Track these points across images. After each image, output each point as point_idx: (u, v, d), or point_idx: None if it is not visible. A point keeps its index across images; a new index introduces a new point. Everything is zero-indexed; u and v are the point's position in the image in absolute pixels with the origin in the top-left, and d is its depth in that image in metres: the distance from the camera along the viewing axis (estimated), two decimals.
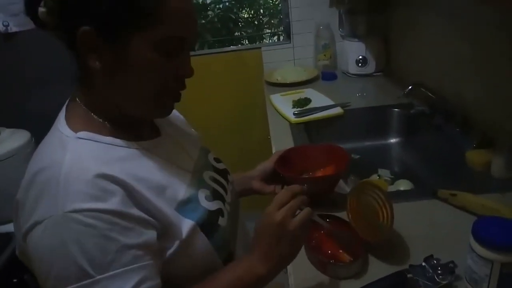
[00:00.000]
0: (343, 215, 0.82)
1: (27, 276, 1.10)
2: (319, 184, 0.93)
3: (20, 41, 1.75)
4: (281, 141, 1.29)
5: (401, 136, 1.44)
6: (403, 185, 1.18)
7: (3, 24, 1.69)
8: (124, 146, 0.61)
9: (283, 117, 1.47)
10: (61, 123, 0.61)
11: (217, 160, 0.83)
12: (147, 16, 0.55)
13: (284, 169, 0.92)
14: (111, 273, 0.51)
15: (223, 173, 0.81)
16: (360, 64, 1.79)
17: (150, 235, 0.57)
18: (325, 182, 0.93)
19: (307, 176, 0.97)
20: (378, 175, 1.27)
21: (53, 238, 0.51)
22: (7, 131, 1.39)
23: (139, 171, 0.60)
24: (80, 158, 0.56)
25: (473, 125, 1.13)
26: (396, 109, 1.45)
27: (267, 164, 0.95)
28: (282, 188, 0.93)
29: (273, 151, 1.25)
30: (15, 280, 1.07)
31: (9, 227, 1.15)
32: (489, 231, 0.61)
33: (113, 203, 0.53)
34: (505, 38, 0.99)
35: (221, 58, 2.03)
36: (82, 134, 0.59)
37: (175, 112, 0.86)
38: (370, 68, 1.79)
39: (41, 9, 0.55)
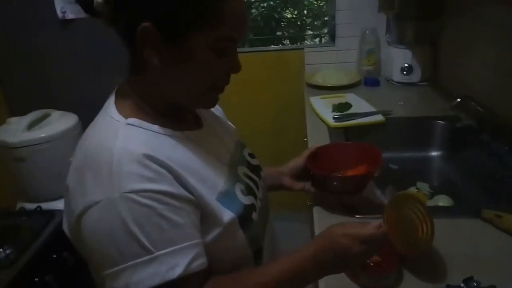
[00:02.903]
0: None
1: (66, 253, 1.15)
2: (348, 184, 0.92)
3: (76, 28, 1.83)
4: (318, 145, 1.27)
5: (443, 149, 1.39)
6: (443, 200, 1.14)
7: (60, 11, 1.78)
8: (169, 135, 0.64)
9: (322, 120, 1.45)
10: (111, 108, 0.63)
11: (252, 155, 0.84)
12: (209, 16, 0.57)
13: (315, 166, 0.91)
14: (168, 249, 0.54)
15: (256, 169, 0.82)
16: (405, 72, 1.74)
17: (197, 216, 0.60)
18: (355, 181, 0.91)
19: (337, 175, 0.95)
20: (417, 188, 1.24)
21: (112, 218, 0.53)
22: (56, 113, 1.46)
23: (183, 159, 0.62)
24: (130, 142, 0.58)
25: None
26: (440, 121, 1.40)
27: (298, 161, 0.94)
28: (312, 185, 0.93)
29: None
30: (54, 256, 1.12)
31: (54, 205, 1.21)
32: None
33: (165, 185, 0.56)
34: None
35: (263, 57, 2.04)
36: (132, 120, 0.61)
37: None
38: (416, 76, 1.74)
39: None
